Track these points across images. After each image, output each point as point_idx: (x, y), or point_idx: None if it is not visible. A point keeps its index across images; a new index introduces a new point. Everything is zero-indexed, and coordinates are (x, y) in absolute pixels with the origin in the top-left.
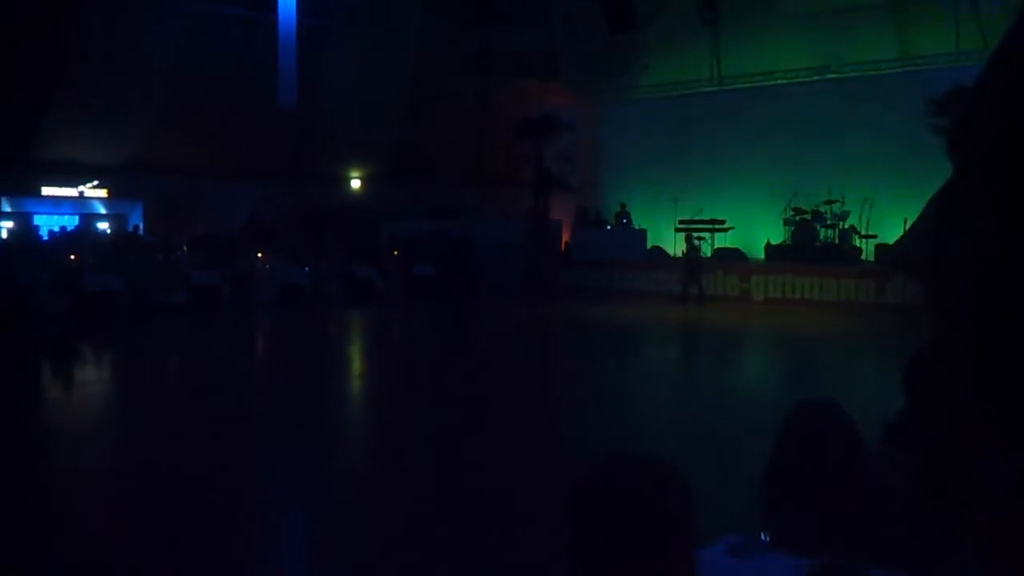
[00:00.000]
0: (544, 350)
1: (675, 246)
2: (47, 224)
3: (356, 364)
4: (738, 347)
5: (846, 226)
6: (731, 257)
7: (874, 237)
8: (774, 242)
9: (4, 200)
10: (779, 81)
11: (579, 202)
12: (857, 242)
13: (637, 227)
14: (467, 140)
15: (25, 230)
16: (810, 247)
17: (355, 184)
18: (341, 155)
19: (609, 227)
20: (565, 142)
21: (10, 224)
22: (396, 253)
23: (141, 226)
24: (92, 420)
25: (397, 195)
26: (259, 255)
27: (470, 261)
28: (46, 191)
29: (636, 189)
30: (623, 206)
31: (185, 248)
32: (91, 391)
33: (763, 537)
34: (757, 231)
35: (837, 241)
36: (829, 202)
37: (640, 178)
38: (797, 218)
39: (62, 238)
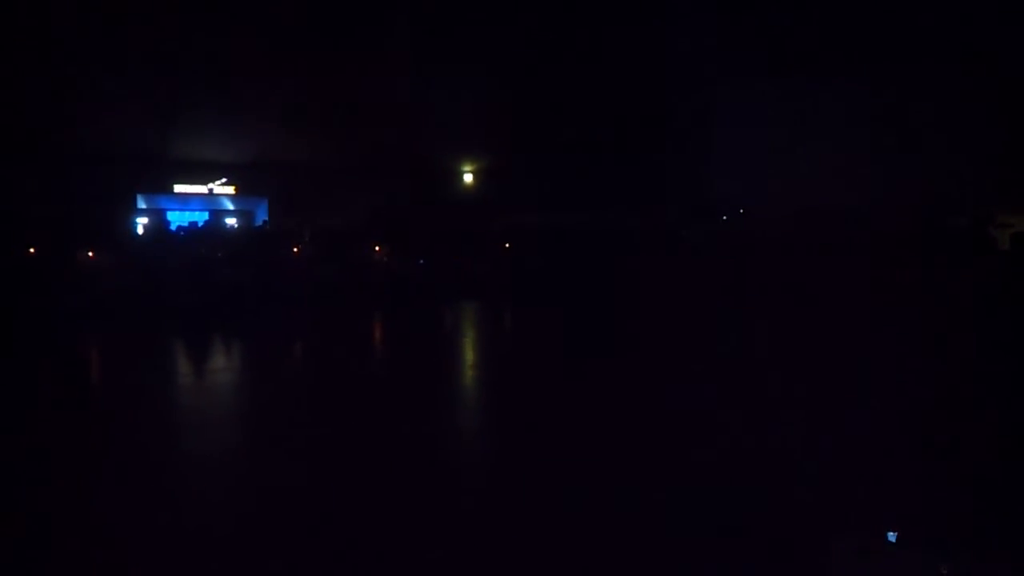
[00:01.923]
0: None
1: None
2: (179, 220)
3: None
4: None
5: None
6: None
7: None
8: None
9: (140, 197)
10: None
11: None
12: None
13: None
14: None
15: (161, 226)
16: None
17: (469, 177)
18: (455, 149)
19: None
20: None
21: (145, 220)
22: (507, 246)
23: (267, 221)
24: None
25: (510, 189)
26: (376, 248)
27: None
28: (178, 188)
29: None
30: None
31: (308, 241)
32: (224, 378)
33: (890, 536)
34: None
35: None
36: None
37: None
38: None
39: (193, 233)
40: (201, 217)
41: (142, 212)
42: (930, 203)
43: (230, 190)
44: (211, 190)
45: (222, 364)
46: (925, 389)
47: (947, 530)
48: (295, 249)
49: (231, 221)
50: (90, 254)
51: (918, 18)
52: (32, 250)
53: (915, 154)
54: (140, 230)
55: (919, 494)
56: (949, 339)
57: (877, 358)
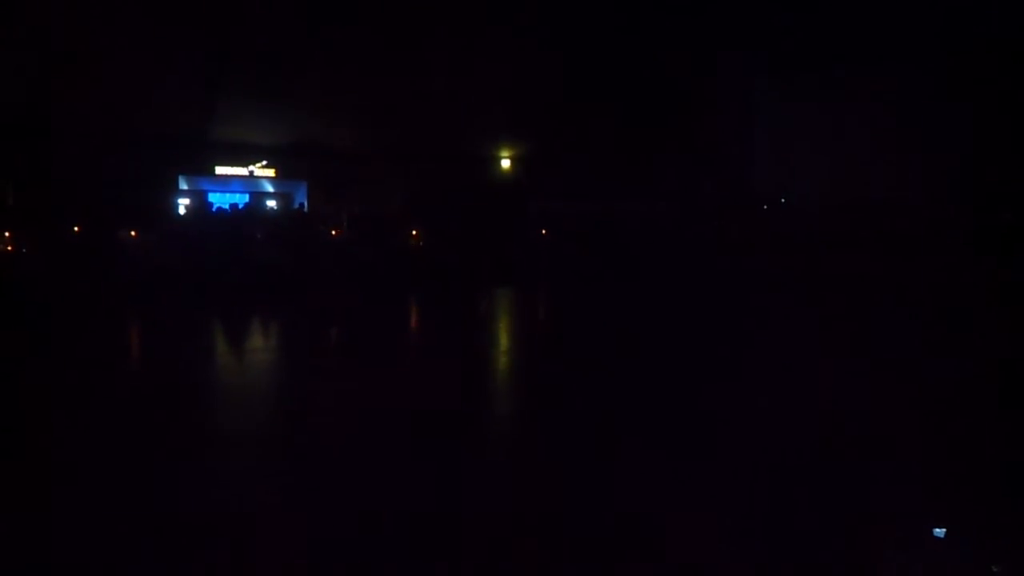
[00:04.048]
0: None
1: None
2: (220, 201)
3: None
4: None
5: None
6: None
7: None
8: None
9: (181, 178)
10: None
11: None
12: None
13: None
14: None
15: (202, 207)
16: None
17: (505, 164)
18: (492, 136)
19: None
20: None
21: (187, 201)
22: (544, 232)
23: (306, 204)
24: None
25: (547, 174)
26: (413, 233)
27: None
28: (219, 170)
29: None
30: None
31: (345, 225)
32: (263, 357)
33: (937, 531)
34: None
35: None
36: None
37: None
38: None
39: (233, 214)
40: (241, 199)
41: (184, 193)
42: (975, 197)
43: (270, 173)
44: (251, 172)
45: (260, 343)
46: (971, 383)
47: (999, 528)
48: (333, 232)
49: (271, 203)
50: (133, 234)
51: (966, 10)
52: (77, 229)
53: (960, 147)
54: (182, 211)
55: (970, 490)
56: (994, 334)
57: (921, 351)
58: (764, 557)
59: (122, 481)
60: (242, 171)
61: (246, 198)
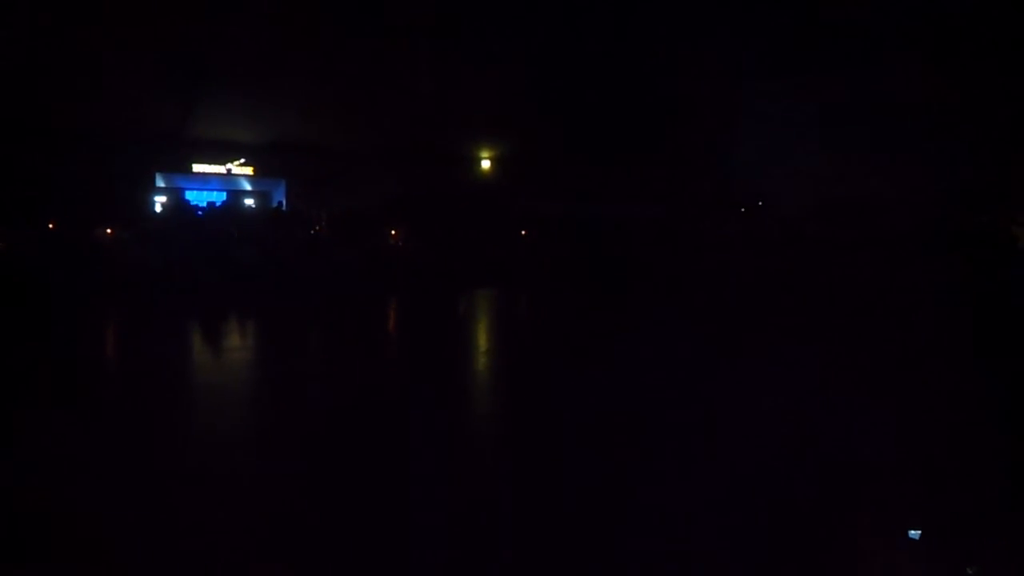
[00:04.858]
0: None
1: None
2: (197, 199)
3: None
4: None
5: None
6: None
7: None
8: None
9: (158, 176)
10: None
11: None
12: None
13: None
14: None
15: (179, 204)
16: None
17: (487, 164)
18: (473, 135)
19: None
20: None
21: (164, 198)
22: (524, 233)
23: (284, 203)
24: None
25: (529, 175)
26: (392, 233)
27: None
28: (196, 168)
29: None
30: None
31: (324, 224)
32: (237, 356)
33: (912, 533)
34: None
35: None
36: None
37: None
38: None
39: (210, 212)
40: (219, 197)
41: (161, 191)
42: (953, 200)
43: (248, 171)
44: (229, 170)
45: (236, 343)
46: (947, 388)
47: (973, 530)
48: (312, 232)
49: (249, 202)
50: (108, 231)
51: (944, 15)
52: (51, 226)
53: (940, 151)
54: (158, 208)
55: (944, 493)
56: (970, 337)
57: (899, 355)
58: (747, 557)
59: (96, 480)
60: (220, 169)
61: (224, 196)
